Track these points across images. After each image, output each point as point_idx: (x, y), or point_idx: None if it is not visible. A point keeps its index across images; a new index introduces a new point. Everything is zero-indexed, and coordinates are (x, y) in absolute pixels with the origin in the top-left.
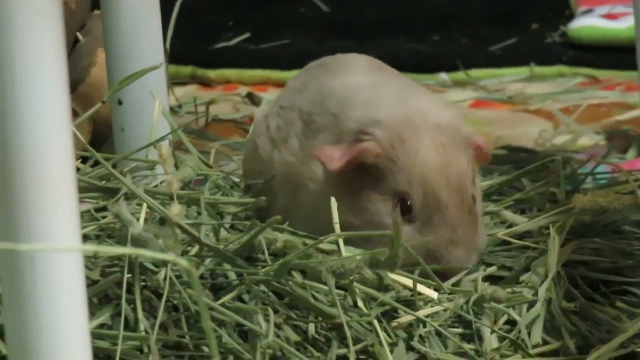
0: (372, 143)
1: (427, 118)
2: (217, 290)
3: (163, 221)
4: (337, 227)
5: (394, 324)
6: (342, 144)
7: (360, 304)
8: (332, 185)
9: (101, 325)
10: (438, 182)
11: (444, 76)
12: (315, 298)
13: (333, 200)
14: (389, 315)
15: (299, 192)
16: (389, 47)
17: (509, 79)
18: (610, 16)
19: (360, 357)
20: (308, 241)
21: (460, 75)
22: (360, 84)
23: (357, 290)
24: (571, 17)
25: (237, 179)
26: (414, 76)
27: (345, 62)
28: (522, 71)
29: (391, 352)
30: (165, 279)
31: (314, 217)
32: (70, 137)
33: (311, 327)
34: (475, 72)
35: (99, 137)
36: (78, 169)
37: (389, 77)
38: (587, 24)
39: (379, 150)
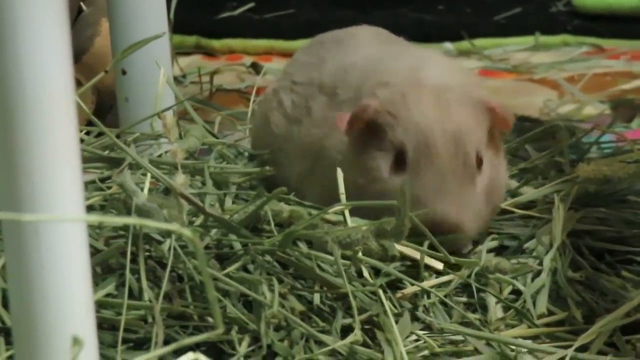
0: (371, 100)
1: (437, 80)
2: (222, 261)
3: (168, 191)
4: (343, 197)
5: (398, 294)
6: None
7: (365, 274)
8: (347, 151)
9: (106, 295)
10: (432, 130)
11: (448, 46)
12: (320, 268)
13: (339, 170)
14: (394, 285)
15: (319, 162)
16: (394, 17)
17: (514, 48)
18: None
19: (365, 327)
20: (314, 212)
21: (465, 44)
22: (377, 56)
23: (362, 260)
24: None
25: (242, 149)
26: (426, 45)
27: (359, 36)
28: (527, 40)
29: (396, 322)
30: (169, 249)
31: (331, 186)
32: (73, 107)
33: (316, 297)
34: (480, 42)
35: (103, 106)
36: (82, 140)
37: (405, 47)
38: None
39: (376, 105)
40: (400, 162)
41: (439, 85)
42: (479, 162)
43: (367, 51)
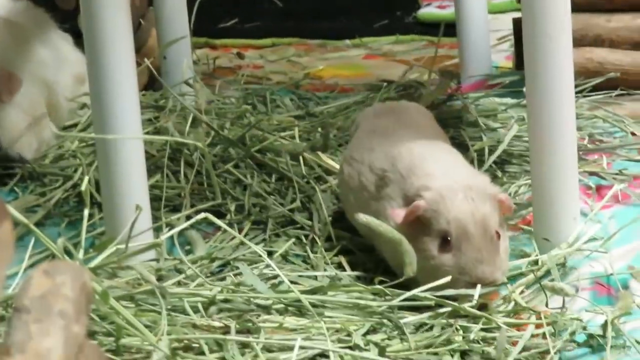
0: (421, 201)
1: (463, 182)
2: (224, 162)
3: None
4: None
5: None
6: (404, 203)
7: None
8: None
9: (155, 181)
10: (466, 219)
11: (347, 42)
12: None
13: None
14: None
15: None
16: (319, 25)
17: (384, 42)
18: (441, 7)
19: (304, 202)
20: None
21: (356, 41)
22: (420, 155)
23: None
24: (419, 7)
25: (233, 100)
26: (334, 42)
27: (401, 131)
28: (392, 39)
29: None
30: (192, 156)
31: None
32: (135, 77)
33: (277, 185)
34: (365, 39)
35: (153, 77)
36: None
37: (437, 149)
38: (428, 11)
39: (425, 205)
40: (444, 244)
41: (466, 186)
42: (498, 236)
43: (412, 147)
